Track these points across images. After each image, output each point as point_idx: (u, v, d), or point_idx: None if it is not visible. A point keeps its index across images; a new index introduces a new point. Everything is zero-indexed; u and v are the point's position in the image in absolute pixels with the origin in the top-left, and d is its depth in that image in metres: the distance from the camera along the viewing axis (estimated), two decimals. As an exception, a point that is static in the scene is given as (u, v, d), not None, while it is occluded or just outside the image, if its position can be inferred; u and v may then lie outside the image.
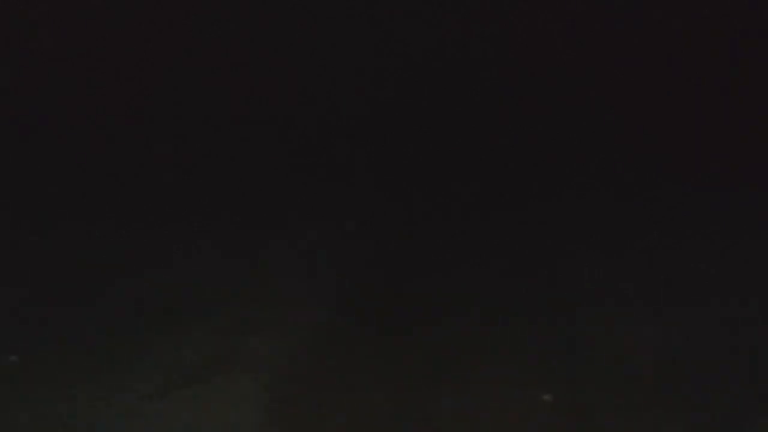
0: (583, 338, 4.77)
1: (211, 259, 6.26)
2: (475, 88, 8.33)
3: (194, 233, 6.61)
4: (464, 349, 4.69)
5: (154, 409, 4.16)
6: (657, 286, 5.46)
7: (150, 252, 6.31)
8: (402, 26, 8.44)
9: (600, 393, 4.12)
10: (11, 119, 7.85)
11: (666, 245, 6.03)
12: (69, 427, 4.02)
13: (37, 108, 8.04)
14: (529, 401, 4.06)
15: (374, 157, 8.00)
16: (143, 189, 7.23)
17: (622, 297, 5.31)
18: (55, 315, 5.34)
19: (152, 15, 8.12)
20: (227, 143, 7.91)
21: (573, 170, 7.41)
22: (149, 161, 7.59)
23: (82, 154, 7.60)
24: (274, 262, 6.15)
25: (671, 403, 4.03)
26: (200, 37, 8.26)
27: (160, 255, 6.24)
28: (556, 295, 5.42)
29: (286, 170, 7.67)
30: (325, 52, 8.39)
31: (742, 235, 6.06)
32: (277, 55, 8.41)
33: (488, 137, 7.95)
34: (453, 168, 7.79)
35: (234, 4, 8.27)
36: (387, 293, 5.60)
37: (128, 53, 8.18)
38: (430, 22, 8.37)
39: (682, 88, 7.93)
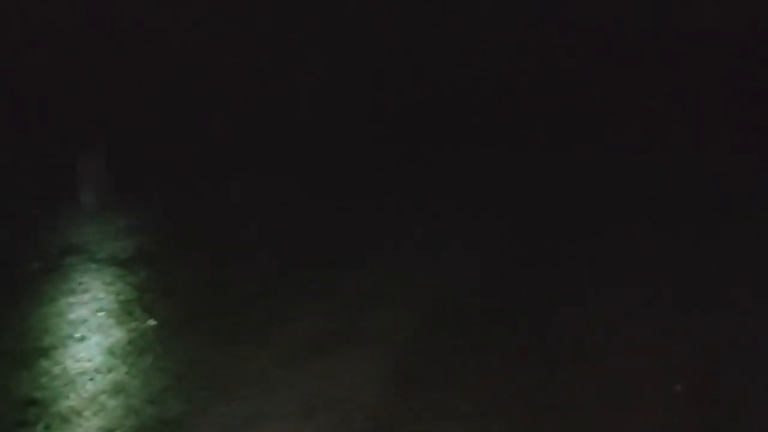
0: (718, 331, 4.77)
1: (345, 235, 6.33)
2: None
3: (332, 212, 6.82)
4: (598, 338, 4.66)
5: (281, 377, 4.18)
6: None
7: (286, 227, 6.52)
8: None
9: (731, 385, 4.14)
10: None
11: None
12: (193, 388, 4.05)
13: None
14: (662, 390, 4.06)
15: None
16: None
17: (754, 291, 5.31)
18: (191, 284, 5.44)
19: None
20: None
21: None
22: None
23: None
24: (400, 243, 6.22)
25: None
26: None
27: (295, 230, 6.46)
28: (691, 288, 5.40)
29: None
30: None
31: None
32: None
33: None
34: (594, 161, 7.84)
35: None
36: (520, 277, 5.56)
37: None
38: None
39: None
